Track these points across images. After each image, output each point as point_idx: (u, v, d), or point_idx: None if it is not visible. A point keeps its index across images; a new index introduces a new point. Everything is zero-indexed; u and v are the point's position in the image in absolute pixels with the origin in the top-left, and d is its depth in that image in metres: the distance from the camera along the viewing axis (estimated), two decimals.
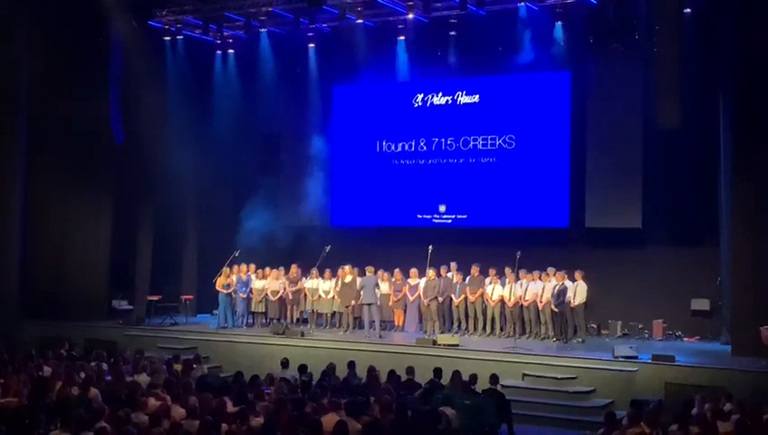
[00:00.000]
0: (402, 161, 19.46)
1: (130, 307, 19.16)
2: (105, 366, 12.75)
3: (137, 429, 8.58)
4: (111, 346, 15.99)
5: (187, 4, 18.46)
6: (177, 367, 12.86)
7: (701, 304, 16.73)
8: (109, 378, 11.83)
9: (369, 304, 16.69)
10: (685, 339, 16.64)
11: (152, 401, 9.79)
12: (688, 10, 15.16)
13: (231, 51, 19.84)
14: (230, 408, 9.67)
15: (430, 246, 16.70)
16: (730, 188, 15.38)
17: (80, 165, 18.81)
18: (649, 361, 13.99)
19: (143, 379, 11.66)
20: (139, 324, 18.32)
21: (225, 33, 19.50)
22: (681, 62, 14.18)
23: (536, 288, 16.31)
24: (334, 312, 17.79)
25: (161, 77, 19.02)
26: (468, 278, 16.96)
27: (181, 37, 19.20)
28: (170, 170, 19.08)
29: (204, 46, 19.79)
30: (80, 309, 18.51)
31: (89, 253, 19.07)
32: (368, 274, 16.91)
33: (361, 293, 16.96)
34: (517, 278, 16.40)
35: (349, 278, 17.23)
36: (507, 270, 16.46)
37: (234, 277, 18.07)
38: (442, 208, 18.95)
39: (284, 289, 17.97)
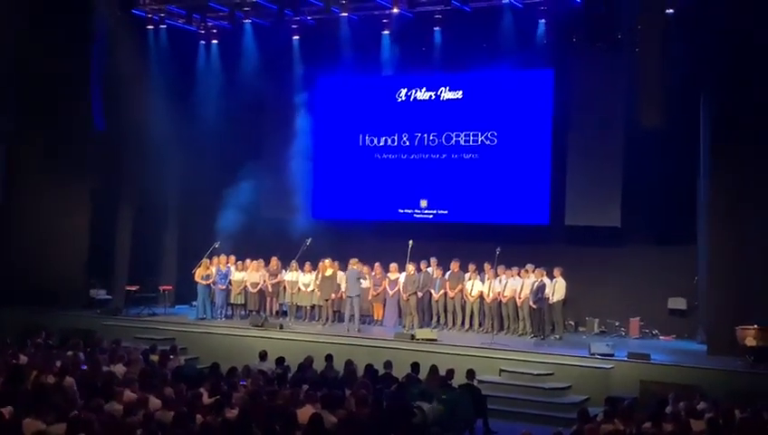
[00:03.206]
0: (384, 156, 19.45)
1: (109, 297, 19.05)
2: (82, 355, 12.69)
3: (111, 418, 8.57)
4: (89, 336, 15.88)
5: None
6: (154, 358, 12.85)
7: (678, 303, 16.88)
8: (85, 367, 11.78)
9: (352, 297, 16.70)
10: (661, 337, 16.77)
11: (127, 392, 9.76)
12: (671, 11, 15.22)
13: (214, 41, 19.70)
14: (205, 399, 9.68)
15: (411, 241, 16.72)
16: (708, 188, 15.52)
17: (60, 153, 18.68)
18: (625, 358, 14.11)
19: (119, 369, 11.63)
20: (116, 314, 18.22)
21: (209, 24, 19.41)
22: (663, 63, 14.24)
23: (515, 284, 16.37)
24: (314, 305, 17.79)
25: (144, 66, 18.84)
26: (448, 273, 17.00)
27: (164, 26, 19.02)
28: (151, 160, 18.99)
29: (187, 36, 19.66)
30: (58, 298, 18.36)
31: (68, 242, 18.94)
32: (352, 266, 16.92)
33: (341, 285, 16.99)
34: (496, 274, 16.45)
35: (329, 272, 17.23)
36: (487, 266, 16.51)
37: (213, 269, 18.02)
38: (423, 203, 18.98)
39: (264, 281, 17.97)
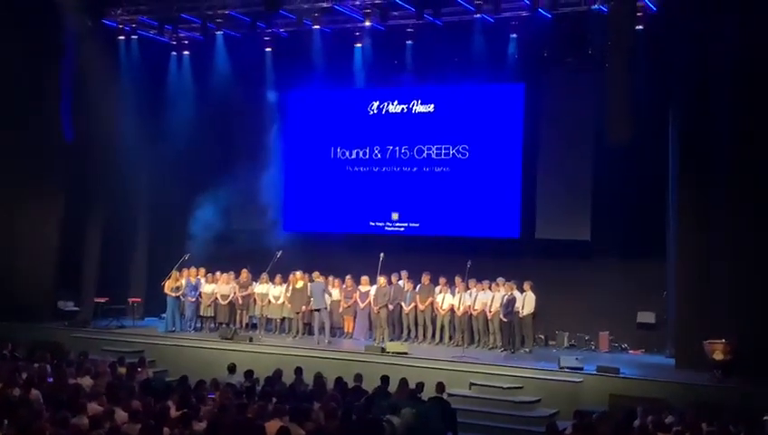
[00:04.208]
0: (356, 168, 19.47)
1: (77, 309, 18.84)
2: (48, 368, 12.54)
3: (77, 431, 8.48)
4: (56, 348, 15.70)
5: (142, 4, 18.24)
6: (122, 370, 12.72)
7: (647, 317, 16.96)
8: (51, 380, 11.64)
9: (319, 310, 16.66)
10: (630, 351, 16.86)
11: (93, 405, 9.65)
12: (640, 27, 15.38)
13: (186, 52, 19.58)
14: (173, 412, 9.59)
15: (382, 254, 16.73)
16: (677, 203, 15.64)
17: (29, 164, 18.51)
18: (594, 372, 14.15)
19: (86, 382, 11.49)
20: (85, 326, 18.04)
21: (181, 35, 19.29)
22: (632, 79, 14.35)
23: (486, 298, 16.40)
24: (284, 317, 17.73)
25: (114, 77, 18.69)
26: (419, 286, 17.01)
27: (136, 37, 18.88)
28: (121, 171, 18.86)
29: (159, 47, 19.55)
30: (25, 310, 18.10)
31: (36, 253, 18.72)
32: (315, 279, 16.89)
33: (311, 298, 16.95)
34: (467, 287, 16.48)
35: (300, 284, 17.14)
36: (457, 279, 16.54)
37: (183, 281, 17.91)
38: (395, 216, 19.00)
39: (234, 293, 17.88)
